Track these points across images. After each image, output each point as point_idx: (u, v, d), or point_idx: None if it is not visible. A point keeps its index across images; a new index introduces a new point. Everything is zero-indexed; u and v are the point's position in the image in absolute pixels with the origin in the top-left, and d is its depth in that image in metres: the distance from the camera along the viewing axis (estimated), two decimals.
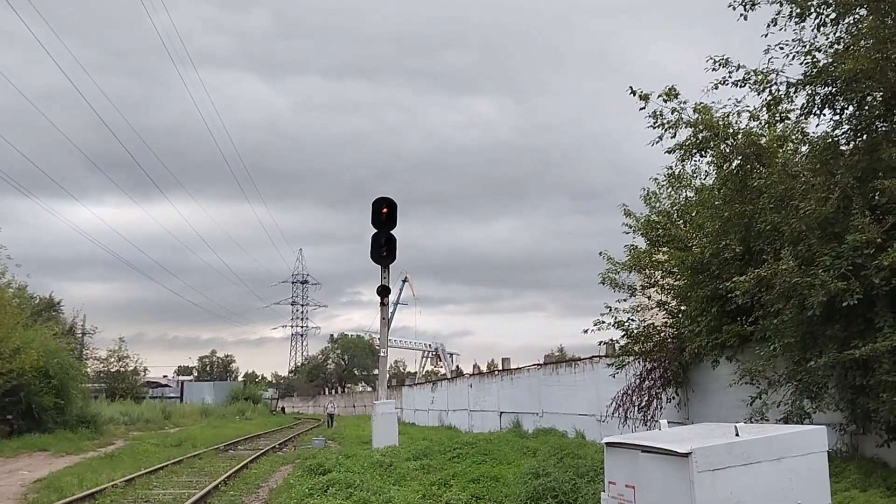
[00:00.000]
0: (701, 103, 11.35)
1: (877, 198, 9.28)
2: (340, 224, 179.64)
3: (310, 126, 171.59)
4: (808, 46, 9.89)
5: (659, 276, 14.88)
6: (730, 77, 10.56)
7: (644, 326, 14.80)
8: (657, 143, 11.74)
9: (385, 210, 19.48)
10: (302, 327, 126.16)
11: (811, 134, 11.10)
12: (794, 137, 11.66)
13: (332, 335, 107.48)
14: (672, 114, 11.52)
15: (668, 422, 6.14)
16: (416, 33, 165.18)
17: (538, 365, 23.18)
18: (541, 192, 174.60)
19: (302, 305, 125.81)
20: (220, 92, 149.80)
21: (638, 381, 14.73)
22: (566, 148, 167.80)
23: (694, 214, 14.07)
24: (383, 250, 19.49)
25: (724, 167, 11.83)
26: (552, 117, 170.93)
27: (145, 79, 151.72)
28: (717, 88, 10.80)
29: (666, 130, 11.58)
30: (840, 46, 9.71)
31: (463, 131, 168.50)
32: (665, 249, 14.63)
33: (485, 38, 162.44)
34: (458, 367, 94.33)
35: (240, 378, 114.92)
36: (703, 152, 11.69)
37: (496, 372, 28.05)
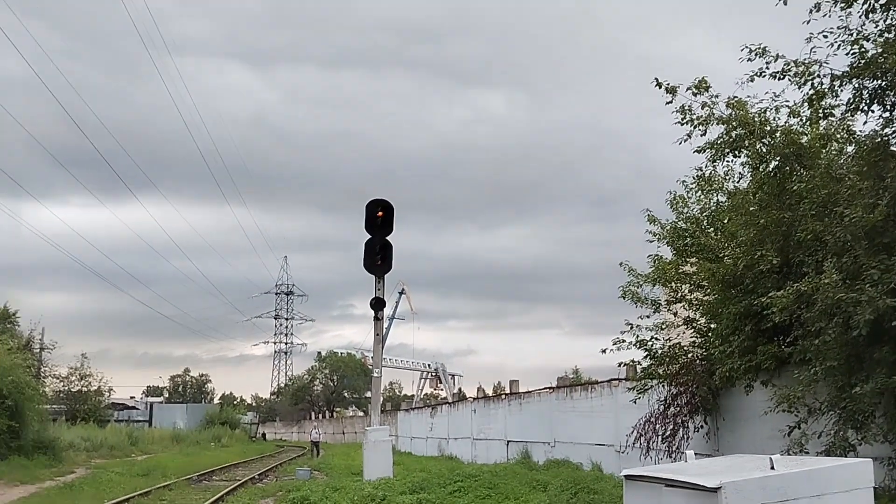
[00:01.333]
0: (735, 97, 11.36)
1: None
2: (331, 229, 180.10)
3: (300, 120, 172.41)
4: (854, 35, 9.89)
5: (686, 290, 14.85)
6: (767, 68, 10.56)
7: (669, 346, 14.77)
8: (685, 141, 11.74)
9: (380, 213, 19.49)
10: (286, 344, 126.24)
11: (858, 132, 11.10)
12: (838, 136, 11.65)
13: (319, 353, 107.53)
14: (702, 109, 11.52)
15: (696, 453, 6.13)
16: (420, 20, 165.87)
17: (550, 388, 23.14)
18: (555, 196, 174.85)
19: (286, 319, 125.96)
20: (201, 82, 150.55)
21: (662, 407, 14.70)
22: (584, 148, 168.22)
23: (726, 221, 14.07)
24: (378, 258, 19.50)
25: (761, 169, 11.83)
26: (569, 114, 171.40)
27: (117, 67, 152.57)
28: (752, 81, 10.80)
29: (695, 127, 11.58)
30: (891, 35, 9.71)
31: (470, 128, 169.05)
32: (693, 260, 14.62)
33: (496, 26, 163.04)
34: (460, 389, 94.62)
35: (216, 400, 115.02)
36: (736, 152, 11.69)
37: (503, 396, 28.03)
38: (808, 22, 10.01)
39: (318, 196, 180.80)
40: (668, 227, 15.34)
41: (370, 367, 28.57)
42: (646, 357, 14.88)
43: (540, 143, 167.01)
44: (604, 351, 14.88)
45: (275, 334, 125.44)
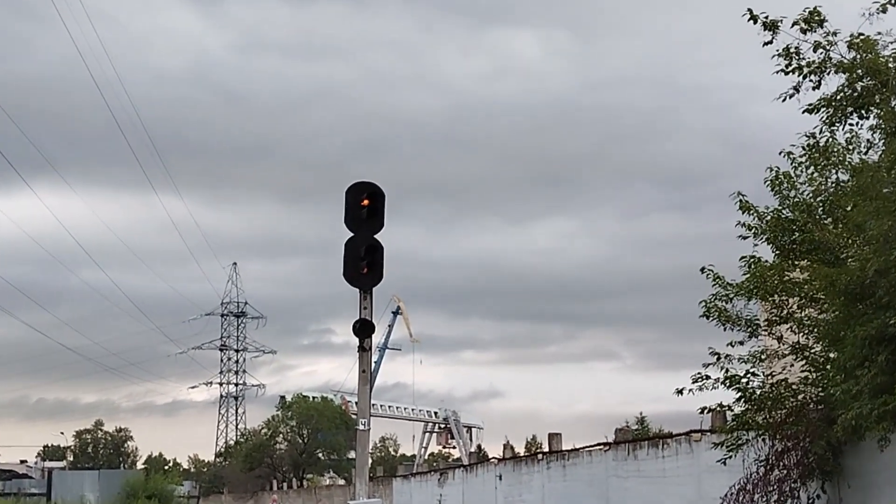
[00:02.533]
0: (860, 35, 11.37)
1: None
2: (299, 225, 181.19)
3: (259, 75, 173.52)
4: None
5: (795, 306, 14.85)
6: None
7: (772, 384, 14.78)
8: (791, 97, 11.76)
9: (366, 202, 19.50)
10: (237, 385, 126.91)
11: None
12: None
13: (283, 398, 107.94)
14: (815, 51, 11.55)
15: None
16: None
17: (606, 445, 23.20)
18: (611, 176, 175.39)
19: (237, 351, 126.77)
20: (123, 24, 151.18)
21: (763, 469, 14.70)
22: (650, 109, 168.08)
23: (850, 208, 14.03)
24: (363, 265, 19.51)
25: None
26: (628, 62, 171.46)
27: (5, 4, 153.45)
28: (884, 12, 10.81)
29: (805, 77, 11.61)
30: None
31: (492, 85, 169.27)
32: (804, 263, 14.61)
33: None
34: (479, 447, 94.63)
35: (139, 464, 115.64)
36: (863, 111, 11.69)
37: (540, 456, 28.10)
38: None
39: (280, 179, 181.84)
40: (769, 218, 15.34)
41: (354, 416, 28.66)
42: (739, 399, 14.88)
43: (589, 102, 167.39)
44: (680, 392, 14.97)
45: (221, 372, 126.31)
